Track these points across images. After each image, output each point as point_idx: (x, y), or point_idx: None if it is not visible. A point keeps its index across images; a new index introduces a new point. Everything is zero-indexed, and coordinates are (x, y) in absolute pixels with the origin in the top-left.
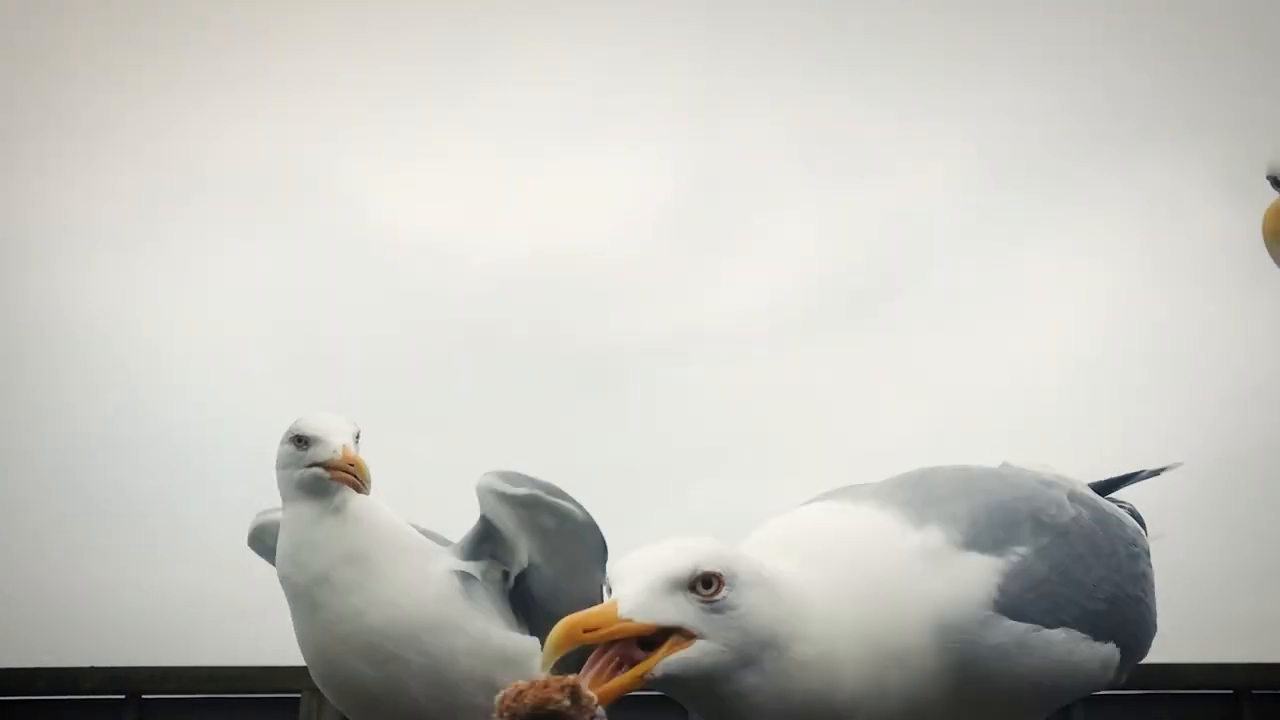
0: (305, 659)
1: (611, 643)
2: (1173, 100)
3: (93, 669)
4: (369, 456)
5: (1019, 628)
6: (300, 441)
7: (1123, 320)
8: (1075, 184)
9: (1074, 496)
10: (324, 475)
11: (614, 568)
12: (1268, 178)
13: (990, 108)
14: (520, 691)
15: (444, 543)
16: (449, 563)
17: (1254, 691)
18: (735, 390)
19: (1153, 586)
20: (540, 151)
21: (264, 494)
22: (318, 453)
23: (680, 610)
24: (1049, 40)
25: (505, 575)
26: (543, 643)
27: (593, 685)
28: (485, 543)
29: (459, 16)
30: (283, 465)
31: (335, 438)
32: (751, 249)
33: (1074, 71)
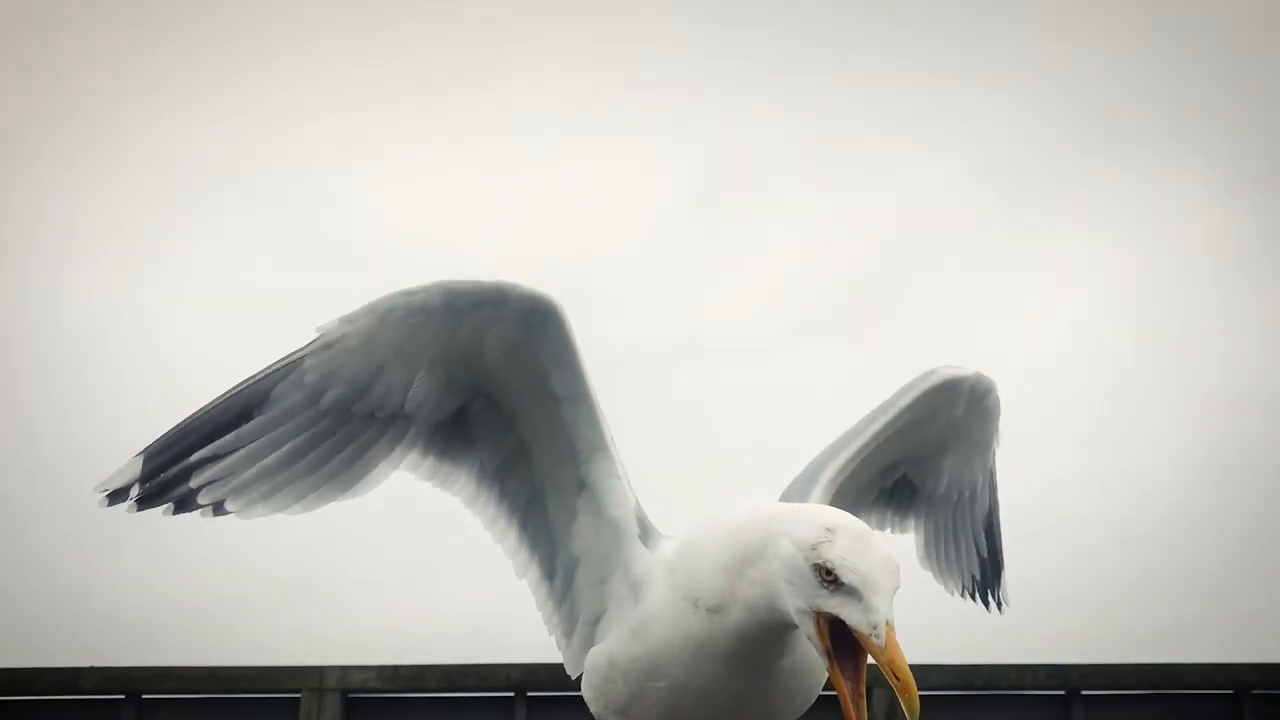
0: None
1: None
2: (1168, 105)
3: (93, 669)
4: None
5: None
6: (829, 576)
7: (1120, 322)
8: (1073, 189)
9: None
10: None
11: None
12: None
13: (990, 115)
14: None
15: None
16: None
17: (1254, 691)
18: (741, 393)
19: None
20: (544, 155)
21: None
22: (851, 612)
23: None
24: (1048, 48)
25: None
26: None
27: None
28: None
29: (460, 21)
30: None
31: (882, 601)
32: (756, 253)
33: (1071, 80)
